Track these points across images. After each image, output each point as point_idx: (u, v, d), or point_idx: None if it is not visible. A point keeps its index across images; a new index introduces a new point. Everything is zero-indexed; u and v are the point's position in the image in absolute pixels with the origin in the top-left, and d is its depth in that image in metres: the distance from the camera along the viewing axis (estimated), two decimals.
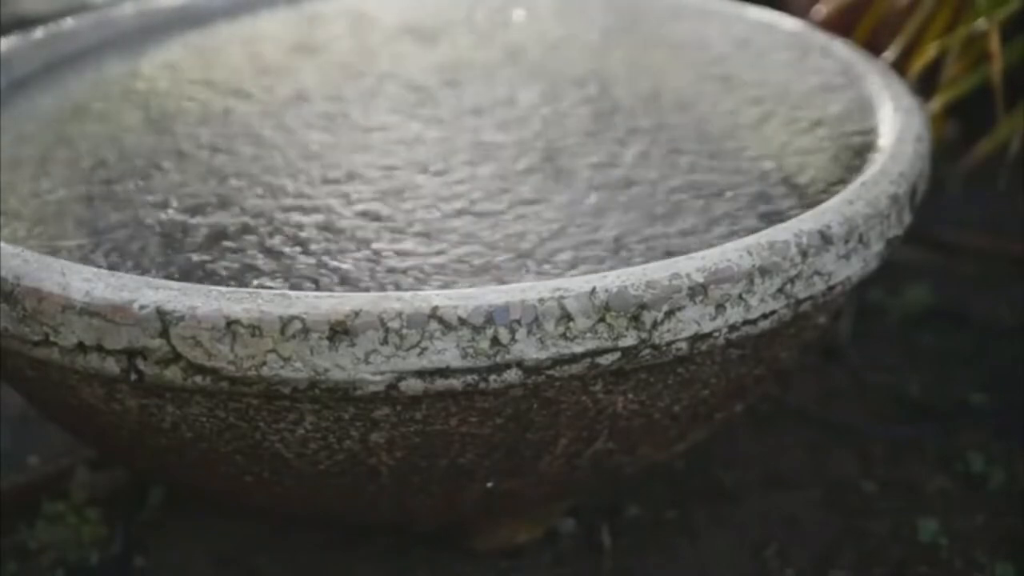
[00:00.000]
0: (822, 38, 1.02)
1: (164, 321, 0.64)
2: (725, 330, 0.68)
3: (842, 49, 0.99)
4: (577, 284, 0.65)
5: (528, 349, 0.64)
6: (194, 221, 0.80)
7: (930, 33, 1.10)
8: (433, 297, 0.64)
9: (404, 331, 0.63)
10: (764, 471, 0.96)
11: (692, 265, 0.67)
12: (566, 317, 0.64)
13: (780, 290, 0.69)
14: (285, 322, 0.63)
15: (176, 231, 0.79)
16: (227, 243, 0.77)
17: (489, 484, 0.74)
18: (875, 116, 0.87)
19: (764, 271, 0.68)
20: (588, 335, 0.65)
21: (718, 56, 1.03)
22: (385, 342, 0.63)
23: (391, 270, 0.74)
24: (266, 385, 0.64)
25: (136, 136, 0.92)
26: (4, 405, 1.02)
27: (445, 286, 0.71)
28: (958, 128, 1.32)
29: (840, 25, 1.15)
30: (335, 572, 0.87)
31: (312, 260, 0.75)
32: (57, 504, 0.92)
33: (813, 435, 1.01)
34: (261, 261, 0.75)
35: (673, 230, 0.78)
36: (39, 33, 1.03)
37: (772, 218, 0.78)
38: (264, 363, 0.63)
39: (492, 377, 0.65)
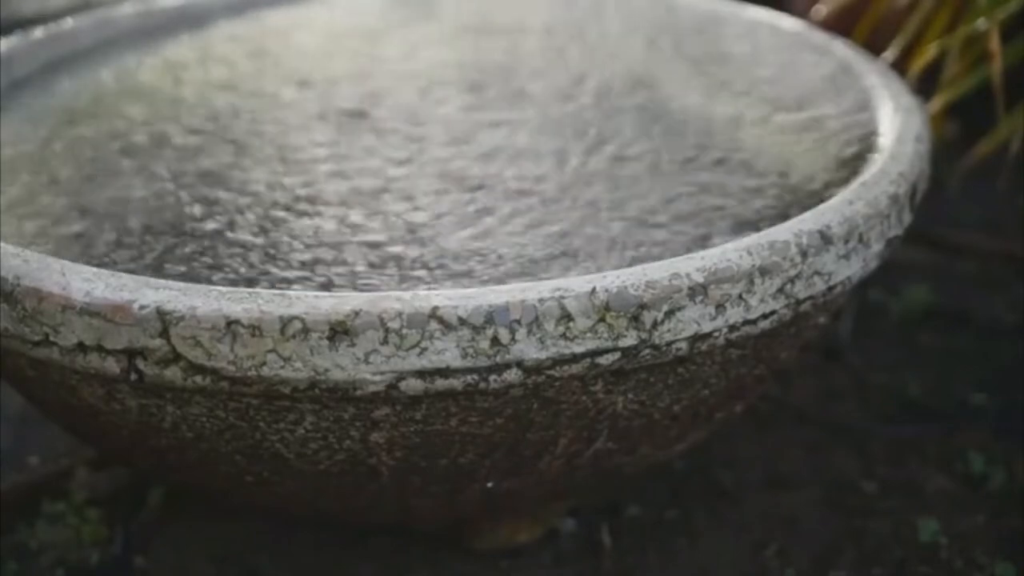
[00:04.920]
0: (822, 38, 1.02)
1: (164, 321, 0.64)
2: (725, 330, 0.68)
3: (842, 49, 0.99)
4: (577, 284, 0.65)
5: (528, 349, 0.64)
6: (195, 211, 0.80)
7: (930, 33, 1.10)
8: (433, 297, 0.64)
9: (404, 331, 0.63)
10: (764, 471, 0.96)
11: (692, 265, 0.67)
12: (566, 317, 0.64)
13: (780, 290, 0.69)
14: (285, 322, 0.63)
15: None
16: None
17: (489, 484, 0.74)
18: (875, 116, 0.87)
19: (764, 271, 0.68)
20: (588, 335, 0.65)
21: (717, 56, 1.03)
22: (385, 342, 0.63)
23: None
24: (266, 385, 0.64)
25: (134, 135, 0.92)
26: (4, 405, 1.02)
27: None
28: (958, 128, 1.33)
29: (840, 25, 1.15)
30: (335, 572, 0.87)
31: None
32: (57, 504, 0.92)
33: (813, 435, 1.01)
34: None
35: (668, 220, 0.78)
36: (39, 33, 1.03)
37: (771, 217, 0.78)
38: (264, 363, 0.63)
39: (492, 377, 0.65)
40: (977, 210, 1.28)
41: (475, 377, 0.64)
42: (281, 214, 0.80)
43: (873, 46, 1.07)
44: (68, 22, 1.05)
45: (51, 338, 0.66)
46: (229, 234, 0.78)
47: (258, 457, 0.71)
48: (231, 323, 0.63)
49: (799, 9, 1.33)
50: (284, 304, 0.63)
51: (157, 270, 0.73)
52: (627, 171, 0.85)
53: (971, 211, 1.28)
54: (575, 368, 0.65)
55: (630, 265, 0.69)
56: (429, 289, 0.69)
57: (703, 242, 0.76)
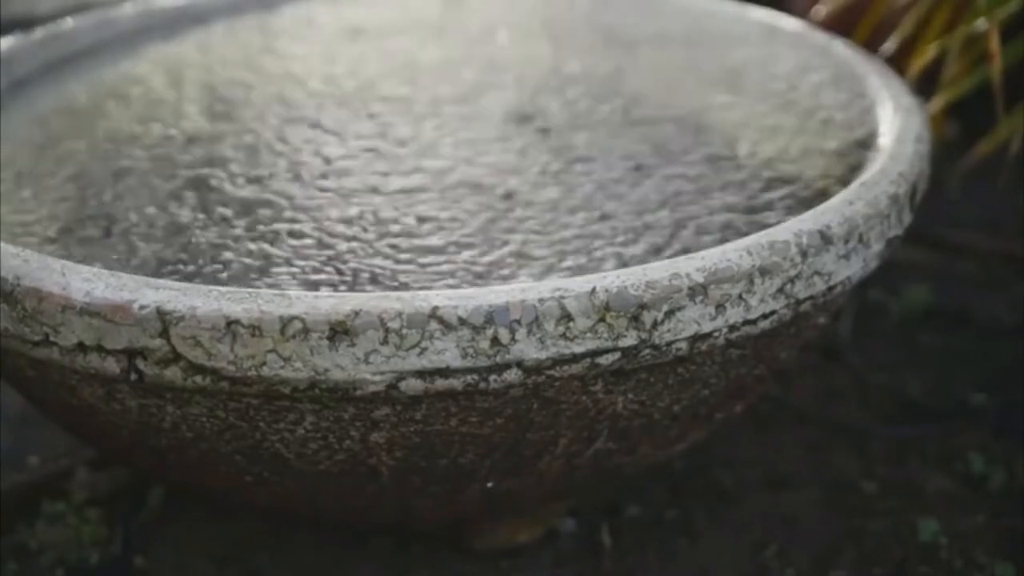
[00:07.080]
0: (822, 38, 1.02)
1: (164, 321, 0.64)
2: (725, 330, 0.68)
3: (842, 49, 0.99)
4: (577, 284, 0.65)
5: (528, 349, 0.64)
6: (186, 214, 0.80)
7: (929, 33, 1.10)
8: (433, 297, 0.64)
9: (404, 331, 0.63)
10: (764, 471, 0.96)
11: (692, 265, 0.67)
12: (566, 317, 0.64)
13: (780, 290, 0.69)
14: (285, 322, 0.63)
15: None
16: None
17: (489, 484, 0.74)
18: (875, 116, 0.87)
19: (764, 271, 0.68)
20: (588, 335, 0.65)
21: (718, 56, 1.03)
22: (385, 342, 0.63)
23: None
24: (266, 385, 0.64)
25: (132, 135, 0.92)
26: (4, 405, 1.02)
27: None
28: (958, 128, 1.33)
29: (840, 25, 1.15)
30: (335, 572, 0.87)
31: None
32: (57, 504, 0.92)
33: (813, 435, 1.01)
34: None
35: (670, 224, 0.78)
36: (39, 33, 1.03)
37: (771, 217, 0.78)
38: (264, 363, 0.63)
39: (492, 377, 0.65)
40: (977, 210, 1.28)
41: (475, 377, 0.64)
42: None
43: (873, 46, 1.07)
44: (68, 22, 1.05)
45: (51, 338, 0.66)
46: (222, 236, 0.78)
47: (258, 457, 0.71)
48: (231, 323, 0.63)
49: (799, 9, 1.33)
50: (284, 304, 0.63)
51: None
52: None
53: (971, 211, 1.28)
54: (575, 368, 0.65)
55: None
56: (428, 289, 0.69)
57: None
